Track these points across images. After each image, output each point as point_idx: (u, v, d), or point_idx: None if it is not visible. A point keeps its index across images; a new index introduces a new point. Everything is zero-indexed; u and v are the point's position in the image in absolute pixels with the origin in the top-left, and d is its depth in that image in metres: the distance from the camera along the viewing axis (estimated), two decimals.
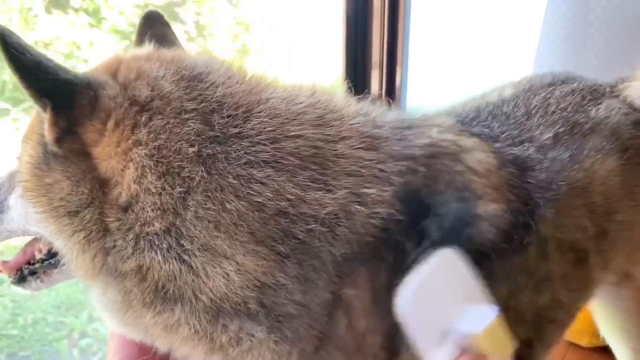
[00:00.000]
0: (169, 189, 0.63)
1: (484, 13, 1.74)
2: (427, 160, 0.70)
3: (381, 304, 0.64)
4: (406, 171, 0.68)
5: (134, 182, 0.63)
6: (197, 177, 0.63)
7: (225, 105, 0.67)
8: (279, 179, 0.63)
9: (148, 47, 0.76)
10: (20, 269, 0.81)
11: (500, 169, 0.75)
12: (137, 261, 0.64)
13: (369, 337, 0.65)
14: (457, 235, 0.68)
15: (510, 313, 0.72)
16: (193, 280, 0.63)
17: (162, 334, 0.67)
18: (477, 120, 0.88)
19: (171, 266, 0.63)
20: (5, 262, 0.82)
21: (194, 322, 0.64)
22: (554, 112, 0.89)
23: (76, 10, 1.83)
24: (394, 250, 0.65)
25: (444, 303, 0.61)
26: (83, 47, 1.86)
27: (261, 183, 0.63)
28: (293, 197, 0.63)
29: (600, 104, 0.93)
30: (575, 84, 0.97)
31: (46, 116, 0.65)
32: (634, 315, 1.12)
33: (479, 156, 0.75)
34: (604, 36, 1.54)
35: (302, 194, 0.63)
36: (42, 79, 0.62)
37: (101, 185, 0.65)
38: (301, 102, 0.71)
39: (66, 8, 1.81)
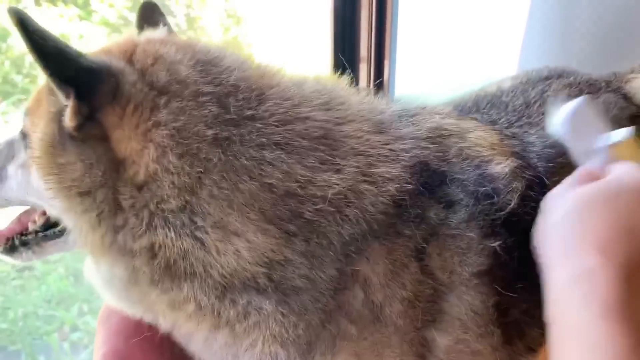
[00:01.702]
0: (188, 168, 0.63)
1: (470, 6, 1.73)
2: (434, 139, 0.72)
3: (402, 274, 0.65)
4: (414, 148, 0.69)
5: (154, 161, 0.63)
6: (214, 159, 0.63)
7: (240, 88, 0.68)
8: (289, 160, 0.64)
9: (161, 32, 0.76)
10: (12, 239, 0.78)
11: (503, 142, 0.77)
12: (149, 239, 0.63)
13: (387, 308, 0.65)
14: (483, 195, 0.69)
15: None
16: (204, 257, 0.63)
17: (167, 311, 0.66)
18: (475, 108, 0.89)
19: (184, 243, 0.63)
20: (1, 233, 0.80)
21: (202, 298, 0.64)
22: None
23: (66, 2, 1.81)
24: (412, 222, 0.66)
25: (591, 126, 0.70)
26: (73, 40, 1.83)
27: (272, 165, 0.64)
28: (302, 178, 0.64)
29: (597, 98, 0.92)
30: (572, 78, 0.97)
31: (69, 104, 0.64)
32: None
33: (481, 133, 0.76)
34: (590, 29, 1.54)
35: (311, 175, 0.64)
36: (65, 67, 0.62)
37: (116, 165, 0.64)
38: (309, 88, 0.72)
39: (56, 0, 1.79)
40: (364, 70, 1.85)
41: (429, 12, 1.81)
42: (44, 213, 0.76)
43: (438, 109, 0.80)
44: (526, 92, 0.92)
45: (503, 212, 0.70)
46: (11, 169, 0.75)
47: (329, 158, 0.66)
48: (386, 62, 1.84)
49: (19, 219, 0.80)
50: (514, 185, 0.72)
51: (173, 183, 0.63)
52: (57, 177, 0.66)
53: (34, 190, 0.71)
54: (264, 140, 0.65)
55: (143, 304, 0.67)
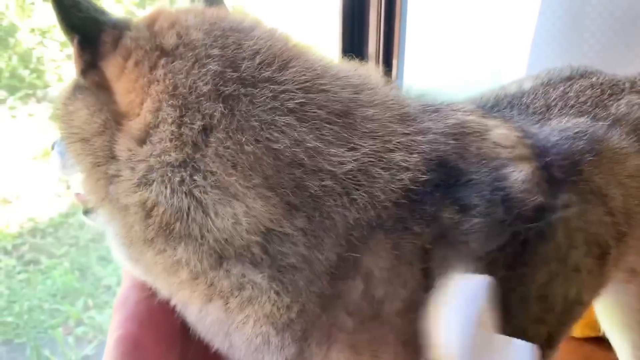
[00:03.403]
0: (188, 121, 0.62)
1: (480, 4, 1.71)
2: (454, 136, 0.69)
3: (405, 273, 0.62)
4: (436, 142, 0.67)
5: (151, 112, 0.63)
6: (216, 114, 0.62)
7: (261, 53, 0.67)
8: (300, 128, 0.62)
9: (198, 4, 0.77)
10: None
11: (523, 143, 0.74)
12: (141, 195, 0.62)
13: (387, 305, 0.62)
14: (498, 203, 0.66)
15: (545, 302, 0.74)
16: (202, 218, 0.60)
17: (162, 275, 0.64)
18: (496, 108, 0.87)
19: (180, 202, 0.61)
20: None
21: (196, 263, 0.61)
22: (572, 105, 0.87)
23: None
24: (423, 220, 0.62)
25: (487, 337, 0.59)
26: None
27: (281, 131, 0.61)
28: (312, 149, 0.61)
29: (620, 99, 0.90)
30: (594, 78, 0.94)
31: (74, 49, 0.68)
32: (637, 311, 1.10)
33: (502, 131, 0.74)
34: (601, 28, 1.52)
35: (323, 147, 0.62)
36: (74, 16, 0.66)
37: (119, 117, 0.66)
38: (340, 68, 0.70)
39: None
40: (372, 68, 1.83)
41: (438, 9, 1.79)
42: None
43: (461, 106, 0.77)
44: (547, 94, 0.89)
45: (513, 223, 0.67)
46: None
47: (345, 135, 0.63)
48: (394, 61, 1.82)
49: None
50: (529, 192, 0.69)
51: (173, 134, 0.62)
52: (66, 124, 0.69)
53: None
54: (277, 104, 0.63)
55: (141, 265, 0.66)
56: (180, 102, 0.63)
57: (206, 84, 0.63)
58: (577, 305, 0.81)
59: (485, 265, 0.65)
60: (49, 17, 1.74)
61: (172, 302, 0.68)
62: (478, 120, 0.74)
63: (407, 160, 0.63)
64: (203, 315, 0.65)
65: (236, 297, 0.61)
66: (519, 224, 0.67)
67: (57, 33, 1.79)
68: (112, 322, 0.69)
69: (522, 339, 0.68)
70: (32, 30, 1.79)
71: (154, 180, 0.62)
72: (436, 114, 0.72)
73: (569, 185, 0.74)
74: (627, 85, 0.94)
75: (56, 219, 2.04)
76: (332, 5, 1.78)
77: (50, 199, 2.08)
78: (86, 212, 0.80)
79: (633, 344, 1.16)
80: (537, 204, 0.69)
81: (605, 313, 1.19)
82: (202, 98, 0.62)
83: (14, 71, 1.83)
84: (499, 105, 0.88)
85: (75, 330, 1.93)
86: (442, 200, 0.64)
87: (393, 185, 0.62)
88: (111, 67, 0.67)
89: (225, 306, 0.62)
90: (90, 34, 0.68)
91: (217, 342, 0.67)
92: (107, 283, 2.06)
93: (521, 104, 0.87)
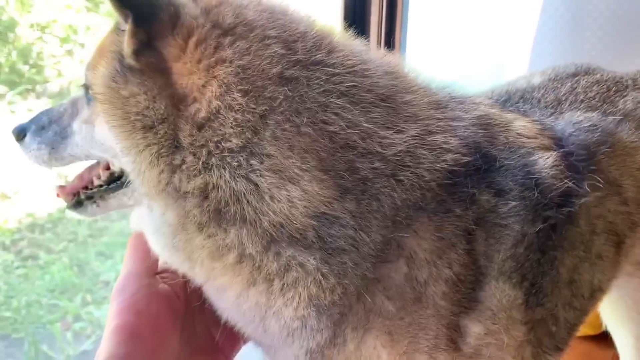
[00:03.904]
0: (252, 106, 0.61)
1: (482, 0, 1.71)
2: (483, 126, 0.72)
3: (449, 254, 0.63)
4: (468, 128, 0.69)
5: (217, 98, 0.62)
6: (280, 98, 0.62)
7: (309, 36, 0.67)
8: (354, 110, 0.63)
9: None
10: (77, 194, 0.80)
11: (543, 132, 0.77)
12: (204, 178, 0.62)
13: (431, 287, 0.64)
14: (529, 187, 0.68)
15: (575, 287, 0.77)
16: (257, 202, 0.61)
17: (206, 260, 0.65)
18: (509, 102, 0.89)
19: (238, 185, 0.61)
20: (62, 187, 0.81)
21: (248, 245, 0.62)
22: (582, 100, 0.89)
23: None
24: (463, 202, 0.64)
25: None
26: (80, 31, 1.80)
27: (336, 113, 0.62)
28: (364, 131, 0.62)
29: (626, 95, 0.92)
30: (598, 75, 0.97)
31: (127, 27, 0.64)
32: (639, 303, 1.14)
33: (523, 123, 0.76)
34: (602, 26, 1.53)
35: (374, 129, 0.63)
36: None
37: (177, 101, 0.64)
38: (374, 53, 0.72)
39: None
40: None
41: (440, 5, 1.79)
42: (108, 168, 0.77)
43: (481, 100, 0.79)
44: (557, 89, 0.91)
45: (544, 208, 0.69)
46: (76, 125, 0.76)
47: (392, 119, 0.64)
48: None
49: (81, 175, 0.81)
50: (556, 178, 0.71)
51: (236, 121, 0.61)
52: (121, 111, 0.65)
53: (98, 143, 0.73)
54: (331, 87, 0.63)
55: (185, 252, 0.66)
56: (249, 86, 0.62)
57: (272, 67, 0.63)
58: (599, 293, 0.84)
59: (524, 248, 0.67)
60: (48, 12, 1.73)
61: (207, 289, 0.68)
62: (500, 113, 0.76)
63: (448, 142, 0.65)
64: (241, 301, 0.65)
65: (282, 279, 0.62)
66: (550, 207, 0.69)
67: (57, 28, 1.77)
68: (109, 311, 0.69)
69: (553, 325, 0.74)
70: (32, 25, 1.77)
71: (213, 165, 0.61)
72: (462, 105, 0.74)
73: (588, 174, 0.76)
74: (629, 82, 0.96)
75: (55, 215, 2.02)
76: (334, 1, 1.77)
77: (49, 194, 2.06)
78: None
79: (636, 337, 1.19)
80: (566, 189, 0.71)
81: (609, 306, 1.22)
82: (268, 82, 0.62)
83: (13, 66, 1.81)
84: (512, 100, 0.90)
85: (74, 325, 1.92)
86: (480, 183, 0.66)
87: (438, 165, 0.63)
88: (170, 48, 0.65)
89: (268, 290, 0.63)
90: (146, 12, 0.64)
91: (250, 329, 0.68)
92: (106, 279, 2.04)
93: (532, 98, 0.89)
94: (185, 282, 0.73)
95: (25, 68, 1.84)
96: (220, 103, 0.62)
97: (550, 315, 0.74)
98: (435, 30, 1.78)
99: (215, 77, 0.63)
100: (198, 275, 0.67)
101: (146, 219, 0.70)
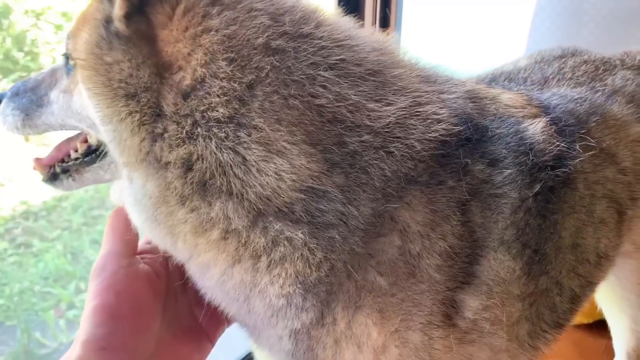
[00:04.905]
0: (239, 75, 0.61)
1: None
2: (472, 99, 0.72)
3: (443, 226, 0.63)
4: (458, 101, 0.69)
5: (202, 66, 0.62)
6: (267, 68, 0.61)
7: (297, 9, 0.67)
8: (342, 84, 0.62)
9: None
10: (52, 167, 0.79)
11: (530, 102, 0.78)
12: (187, 149, 0.61)
13: (425, 259, 0.63)
14: (523, 153, 0.69)
15: (579, 251, 0.77)
16: (244, 174, 0.60)
17: (188, 235, 0.64)
18: (495, 82, 0.89)
19: (224, 156, 0.60)
20: (38, 159, 0.80)
21: (235, 220, 0.61)
22: (570, 78, 0.89)
23: None
24: (456, 173, 0.64)
25: None
26: (74, 19, 1.78)
27: (323, 86, 0.62)
28: (352, 104, 0.62)
29: (615, 74, 0.92)
30: (586, 56, 0.97)
31: None
32: (635, 285, 1.15)
33: (509, 95, 0.77)
34: (600, 11, 1.51)
35: (362, 102, 0.62)
36: None
37: (162, 70, 0.63)
38: (363, 33, 0.71)
39: None
40: None
41: None
42: (85, 141, 0.76)
43: (467, 79, 0.79)
44: (543, 69, 0.91)
45: (540, 171, 0.70)
46: (53, 94, 0.75)
47: (381, 92, 0.64)
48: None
49: (58, 148, 0.80)
50: (548, 142, 0.72)
51: (222, 89, 0.60)
52: (104, 78, 0.65)
53: (74, 112, 0.72)
54: (319, 59, 0.63)
55: (166, 226, 0.65)
56: (234, 55, 0.61)
57: (258, 37, 0.62)
58: (605, 261, 0.84)
59: (523, 214, 0.67)
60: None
61: (190, 267, 0.67)
62: (486, 88, 0.77)
63: (438, 113, 0.65)
64: (226, 279, 0.64)
65: (269, 255, 0.61)
66: (545, 171, 0.70)
67: (52, 15, 1.76)
68: (88, 290, 0.67)
69: (557, 295, 0.74)
70: (26, 12, 1.76)
71: (198, 135, 0.61)
72: (449, 82, 0.74)
73: (580, 138, 0.77)
74: (617, 62, 0.97)
75: (49, 203, 2.01)
76: None
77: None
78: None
79: (632, 318, 1.21)
80: (558, 152, 0.72)
81: (605, 289, 1.22)
82: (254, 51, 0.62)
83: (7, 53, 1.80)
84: (497, 81, 0.90)
85: (67, 313, 1.92)
86: (472, 154, 0.66)
87: (429, 135, 0.63)
88: (158, 15, 0.64)
89: (254, 267, 0.62)
90: None
91: (235, 308, 0.67)
92: None
93: (518, 78, 0.90)
94: (167, 261, 0.72)
95: (20, 55, 1.83)
96: (205, 71, 0.61)
97: (554, 283, 0.74)
98: (430, 12, 1.77)
99: (200, 45, 0.62)
100: (181, 251, 0.66)
101: (127, 191, 0.69)
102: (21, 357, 1.82)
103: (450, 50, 1.76)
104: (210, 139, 0.61)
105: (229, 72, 0.61)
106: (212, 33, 0.62)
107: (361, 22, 0.73)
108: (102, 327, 0.64)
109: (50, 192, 2.01)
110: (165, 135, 0.62)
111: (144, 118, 0.63)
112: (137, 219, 0.69)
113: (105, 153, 0.72)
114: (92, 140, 0.76)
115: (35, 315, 1.88)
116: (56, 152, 0.81)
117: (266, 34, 0.63)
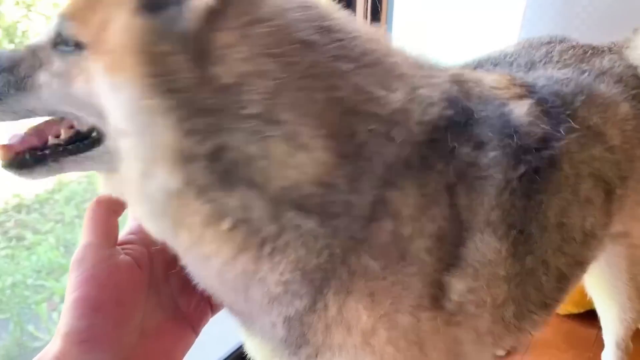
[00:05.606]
0: (277, 71, 0.60)
1: None
2: (457, 83, 0.73)
3: (433, 209, 0.64)
4: (446, 84, 0.70)
5: (243, 60, 0.60)
6: (299, 62, 0.61)
7: (316, 3, 0.68)
8: (359, 74, 0.63)
9: None
10: (22, 153, 0.71)
11: (515, 83, 0.78)
12: (215, 142, 0.60)
13: (416, 242, 0.64)
14: (510, 135, 0.70)
15: (564, 230, 0.78)
16: (267, 167, 0.60)
17: (196, 226, 0.62)
18: (479, 67, 0.91)
19: (251, 149, 0.60)
20: (9, 146, 0.71)
21: (251, 211, 0.61)
22: (557, 61, 0.89)
23: None
24: (444, 157, 0.65)
25: None
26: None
27: (343, 78, 0.62)
28: (366, 94, 0.63)
29: (603, 57, 0.92)
30: (574, 42, 0.98)
31: None
32: (624, 272, 1.15)
33: (494, 77, 0.78)
34: (592, 1, 1.50)
35: (375, 91, 0.63)
36: None
37: (202, 61, 0.60)
38: (353, 22, 0.71)
39: None
40: None
41: None
42: (71, 127, 0.70)
43: (451, 67, 0.80)
44: (530, 54, 0.91)
45: (525, 153, 0.71)
46: (43, 77, 0.68)
47: (385, 80, 0.65)
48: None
49: (37, 132, 0.73)
50: (534, 124, 0.73)
51: (259, 86, 0.60)
52: (149, 69, 0.60)
53: (74, 99, 0.66)
54: (338, 52, 0.63)
55: (175, 217, 0.63)
56: (277, 50, 0.61)
57: (299, 30, 0.62)
58: (592, 239, 0.85)
59: (508, 195, 0.68)
60: None
61: (189, 257, 0.67)
62: (470, 72, 0.79)
63: (432, 96, 0.66)
64: (227, 269, 0.64)
65: (273, 242, 0.61)
66: (530, 152, 0.71)
67: (43, 6, 1.75)
68: (69, 282, 0.66)
69: (544, 274, 0.75)
70: (17, 2, 1.75)
71: (229, 129, 0.60)
72: (435, 67, 0.76)
73: (565, 119, 0.78)
74: (605, 49, 0.97)
75: (42, 195, 2.01)
76: None
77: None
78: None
79: (621, 307, 1.22)
80: (543, 133, 0.73)
81: (594, 276, 1.23)
82: (291, 46, 0.61)
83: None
84: (483, 66, 0.92)
85: (60, 306, 1.89)
86: (459, 137, 0.67)
87: (425, 118, 0.65)
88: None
89: (256, 255, 0.62)
90: None
91: (231, 297, 0.68)
92: None
93: (505, 63, 0.90)
94: (148, 252, 0.71)
95: (10, 47, 1.82)
96: (248, 67, 0.60)
97: (540, 262, 0.75)
98: (421, 7, 1.76)
99: (247, 36, 0.61)
100: (182, 242, 0.65)
101: (133, 185, 0.65)
102: (14, 350, 1.81)
103: (441, 44, 1.76)
104: (241, 132, 0.60)
105: (269, 68, 0.60)
106: (261, 25, 0.61)
107: (353, 15, 0.74)
108: (83, 319, 0.63)
109: (42, 185, 2.00)
110: (198, 129, 0.60)
111: (183, 114, 0.59)
112: (141, 212, 0.67)
113: (98, 142, 0.67)
114: (82, 127, 0.69)
115: (28, 308, 1.88)
116: (34, 137, 0.72)
117: (303, 29, 0.63)
